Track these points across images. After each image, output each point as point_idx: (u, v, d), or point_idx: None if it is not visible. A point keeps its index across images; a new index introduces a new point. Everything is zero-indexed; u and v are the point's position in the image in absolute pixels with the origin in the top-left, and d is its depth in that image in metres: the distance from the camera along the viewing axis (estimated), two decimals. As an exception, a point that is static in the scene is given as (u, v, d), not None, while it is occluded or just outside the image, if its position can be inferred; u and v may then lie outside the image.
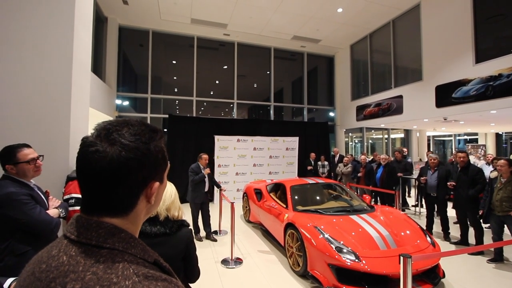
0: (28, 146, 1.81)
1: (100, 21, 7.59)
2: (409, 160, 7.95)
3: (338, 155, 8.33)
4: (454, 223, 5.12)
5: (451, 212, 4.76)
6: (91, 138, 0.51)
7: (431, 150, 13.93)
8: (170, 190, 1.40)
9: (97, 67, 7.41)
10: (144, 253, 0.52)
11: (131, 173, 0.50)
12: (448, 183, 4.43)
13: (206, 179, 4.63)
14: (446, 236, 4.62)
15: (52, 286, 0.45)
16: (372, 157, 8.40)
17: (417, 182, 5.54)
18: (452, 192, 4.52)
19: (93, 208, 0.51)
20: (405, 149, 7.18)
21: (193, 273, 1.43)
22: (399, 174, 6.41)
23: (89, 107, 3.38)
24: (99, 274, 0.44)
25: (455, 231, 4.76)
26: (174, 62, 9.65)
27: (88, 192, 0.52)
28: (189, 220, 4.50)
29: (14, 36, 2.55)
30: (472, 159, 10.67)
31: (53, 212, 1.81)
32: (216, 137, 7.68)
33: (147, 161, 0.53)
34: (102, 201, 0.51)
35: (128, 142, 0.51)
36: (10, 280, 1.25)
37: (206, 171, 4.54)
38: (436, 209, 4.85)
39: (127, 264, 0.47)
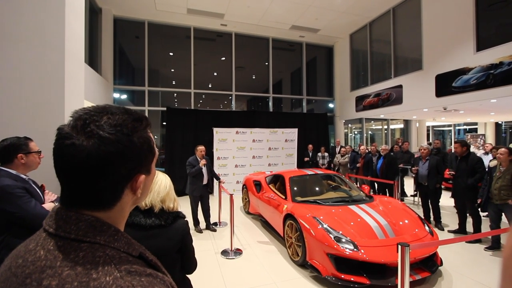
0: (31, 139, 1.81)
1: (94, 12, 7.42)
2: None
3: (339, 146, 8.34)
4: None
5: (449, 201, 4.78)
6: (66, 129, 0.47)
7: (431, 140, 13.91)
8: (164, 182, 1.38)
9: (93, 60, 7.29)
10: (129, 247, 0.49)
11: (112, 167, 0.47)
12: (448, 172, 4.43)
13: (204, 171, 4.61)
14: (438, 223, 4.69)
15: (27, 282, 0.43)
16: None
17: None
18: (443, 181, 4.59)
19: (73, 202, 0.48)
20: (400, 141, 7.20)
21: (190, 265, 1.43)
22: (401, 165, 6.40)
23: (86, 101, 3.34)
24: (78, 270, 0.42)
25: (453, 220, 4.79)
26: (171, 54, 9.51)
27: (67, 186, 0.48)
28: (189, 213, 4.53)
29: (5, 29, 2.48)
30: (471, 148, 10.67)
31: (48, 206, 1.79)
32: (215, 130, 7.64)
33: (131, 153, 0.49)
34: (82, 196, 0.48)
35: (108, 134, 0.46)
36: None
37: (202, 162, 4.52)
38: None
39: (108, 259, 0.45)
